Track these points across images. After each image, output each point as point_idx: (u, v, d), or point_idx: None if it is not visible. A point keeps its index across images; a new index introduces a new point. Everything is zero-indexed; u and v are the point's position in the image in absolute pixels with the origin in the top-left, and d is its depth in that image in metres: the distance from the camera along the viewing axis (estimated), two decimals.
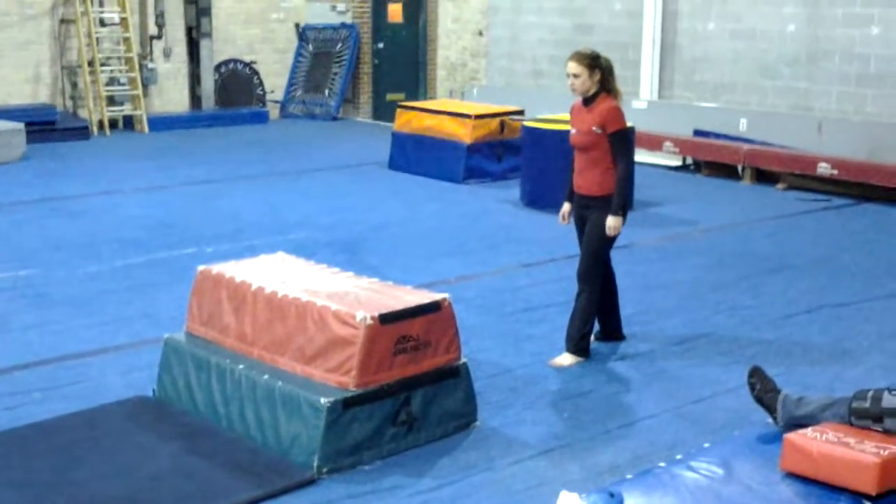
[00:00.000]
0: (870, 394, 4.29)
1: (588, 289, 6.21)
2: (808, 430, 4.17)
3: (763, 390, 4.72)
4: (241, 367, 5.14)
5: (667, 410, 5.55)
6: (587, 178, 6.17)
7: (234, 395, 5.13)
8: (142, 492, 4.56)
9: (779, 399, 4.60)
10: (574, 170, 6.30)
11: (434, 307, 5.10)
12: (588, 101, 6.14)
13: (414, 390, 5.02)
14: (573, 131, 6.23)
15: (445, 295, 5.20)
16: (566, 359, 6.19)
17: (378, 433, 4.92)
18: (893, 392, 4.27)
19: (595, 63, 6.06)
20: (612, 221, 6.06)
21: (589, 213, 6.20)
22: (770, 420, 4.58)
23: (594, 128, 6.06)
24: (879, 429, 4.18)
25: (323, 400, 4.75)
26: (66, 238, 9.21)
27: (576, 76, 6.05)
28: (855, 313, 7.22)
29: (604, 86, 6.11)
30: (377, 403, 4.90)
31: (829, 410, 4.40)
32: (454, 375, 5.20)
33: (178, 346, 5.51)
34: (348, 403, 4.79)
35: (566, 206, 6.39)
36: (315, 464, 4.74)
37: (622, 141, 6.10)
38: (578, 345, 6.20)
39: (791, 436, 4.13)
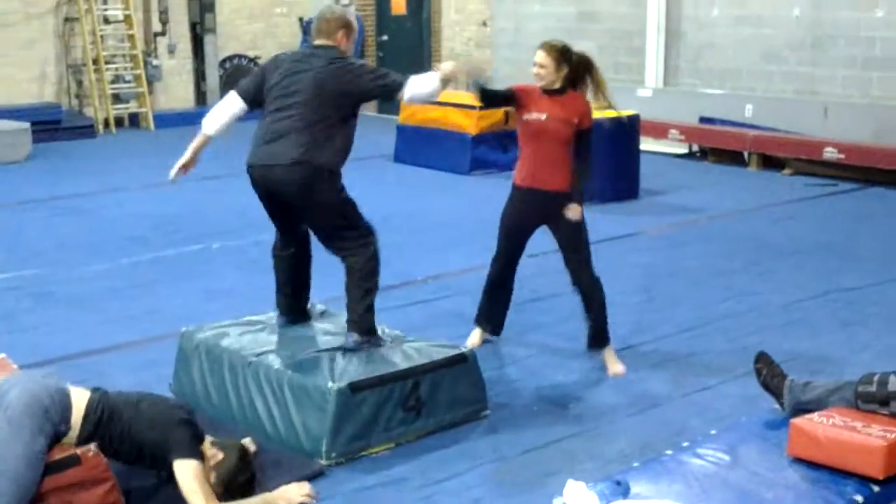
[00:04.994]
0: (876, 377, 4.28)
1: (596, 280, 6.03)
2: (815, 415, 4.16)
3: (769, 376, 4.71)
4: (252, 357, 5.16)
5: (673, 398, 5.54)
6: (559, 172, 5.77)
7: (245, 385, 5.14)
8: (148, 491, 4.55)
9: (785, 384, 4.59)
10: (533, 162, 5.83)
11: None
12: (554, 92, 5.76)
13: (422, 376, 5.04)
14: (543, 116, 5.71)
15: None
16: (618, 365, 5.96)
17: (387, 418, 4.94)
18: None
19: (564, 57, 5.73)
20: (578, 210, 5.79)
21: (555, 210, 5.80)
22: (776, 406, 4.57)
23: (574, 118, 5.75)
24: (886, 412, 4.17)
25: (331, 384, 4.76)
26: (73, 236, 9.23)
27: (542, 66, 5.72)
28: (863, 298, 7.21)
29: (572, 84, 5.80)
30: (386, 388, 4.92)
31: (836, 395, 4.38)
32: (462, 362, 5.21)
33: (192, 339, 5.53)
34: (357, 388, 4.81)
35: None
36: (324, 449, 4.76)
37: (590, 138, 5.87)
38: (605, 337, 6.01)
39: (797, 421, 4.12)
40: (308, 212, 5.32)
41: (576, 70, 5.81)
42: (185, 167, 5.73)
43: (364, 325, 5.27)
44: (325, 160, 5.17)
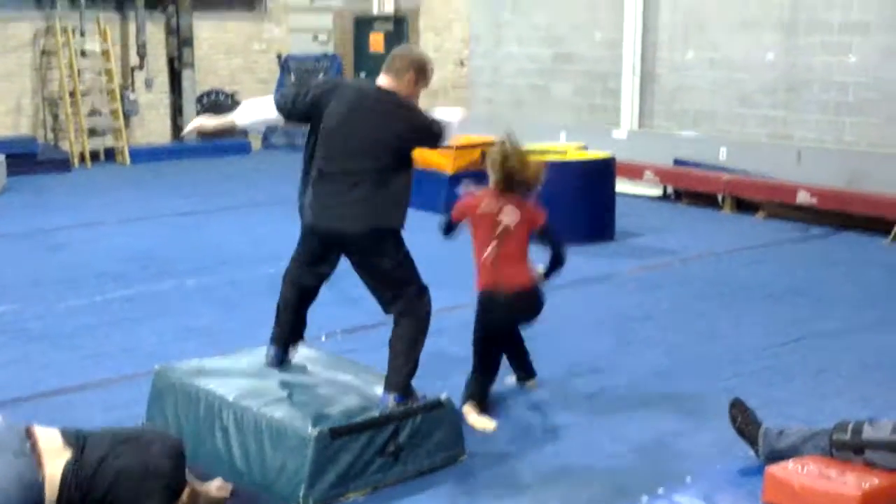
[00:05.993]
0: (850, 426, 4.32)
1: None
2: (790, 463, 4.19)
3: (744, 422, 4.74)
4: (229, 398, 5.13)
5: (648, 443, 5.54)
6: (522, 269, 5.81)
7: (222, 425, 5.11)
8: None
9: (760, 431, 4.63)
10: (493, 265, 5.78)
11: None
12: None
13: (402, 422, 5.03)
14: (505, 220, 5.75)
15: None
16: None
17: (365, 464, 4.91)
18: (874, 424, 4.30)
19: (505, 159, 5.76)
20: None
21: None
22: (752, 452, 4.60)
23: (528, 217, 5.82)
24: (860, 461, 4.20)
25: (310, 430, 4.75)
26: (47, 272, 9.17)
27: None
28: (836, 343, 7.25)
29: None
30: (366, 434, 4.90)
31: (811, 442, 4.42)
32: (439, 408, 5.20)
33: (167, 377, 5.49)
34: (336, 434, 4.79)
35: None
36: (301, 494, 4.72)
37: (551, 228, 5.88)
38: None
39: (772, 468, 4.15)
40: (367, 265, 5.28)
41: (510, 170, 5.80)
42: (200, 132, 5.50)
43: (401, 387, 5.13)
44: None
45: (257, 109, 5.41)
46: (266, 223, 11.31)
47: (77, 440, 4.14)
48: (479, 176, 12.06)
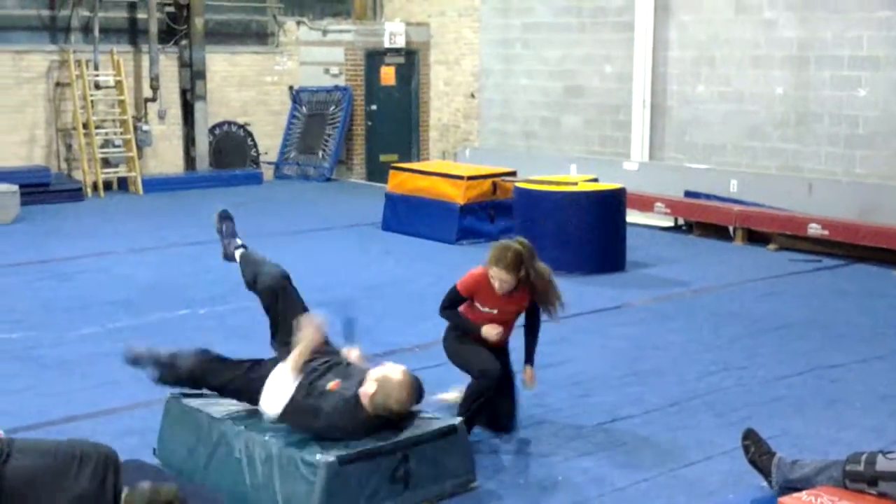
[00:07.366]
0: (863, 457, 4.30)
1: None
2: (803, 494, 4.17)
3: (757, 453, 4.72)
4: (240, 426, 5.13)
5: (661, 473, 5.52)
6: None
7: (233, 454, 5.11)
8: None
9: (773, 462, 4.61)
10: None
11: None
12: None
13: (411, 448, 5.01)
14: (495, 311, 5.95)
15: None
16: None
17: (375, 491, 4.89)
18: (887, 455, 4.28)
19: (518, 267, 5.82)
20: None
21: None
22: (765, 483, 4.58)
23: (521, 308, 6.02)
24: (874, 492, 4.19)
25: (319, 457, 4.74)
26: (59, 300, 9.21)
27: (504, 281, 5.83)
28: (848, 374, 7.23)
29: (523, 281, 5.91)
30: (375, 461, 4.89)
31: (824, 473, 4.40)
32: (451, 434, 5.19)
33: (179, 406, 5.51)
34: (345, 462, 4.78)
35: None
36: None
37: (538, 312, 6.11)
38: None
39: (786, 499, 4.13)
40: None
41: (527, 273, 5.88)
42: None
43: None
44: None
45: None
46: (278, 252, 11.30)
47: (5, 446, 4.04)
48: (488, 206, 12.22)
